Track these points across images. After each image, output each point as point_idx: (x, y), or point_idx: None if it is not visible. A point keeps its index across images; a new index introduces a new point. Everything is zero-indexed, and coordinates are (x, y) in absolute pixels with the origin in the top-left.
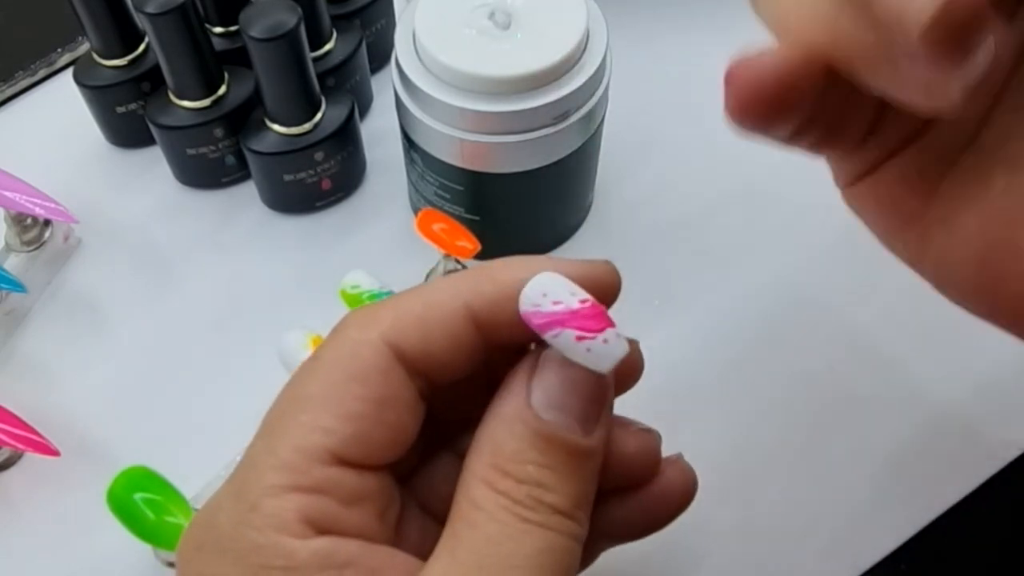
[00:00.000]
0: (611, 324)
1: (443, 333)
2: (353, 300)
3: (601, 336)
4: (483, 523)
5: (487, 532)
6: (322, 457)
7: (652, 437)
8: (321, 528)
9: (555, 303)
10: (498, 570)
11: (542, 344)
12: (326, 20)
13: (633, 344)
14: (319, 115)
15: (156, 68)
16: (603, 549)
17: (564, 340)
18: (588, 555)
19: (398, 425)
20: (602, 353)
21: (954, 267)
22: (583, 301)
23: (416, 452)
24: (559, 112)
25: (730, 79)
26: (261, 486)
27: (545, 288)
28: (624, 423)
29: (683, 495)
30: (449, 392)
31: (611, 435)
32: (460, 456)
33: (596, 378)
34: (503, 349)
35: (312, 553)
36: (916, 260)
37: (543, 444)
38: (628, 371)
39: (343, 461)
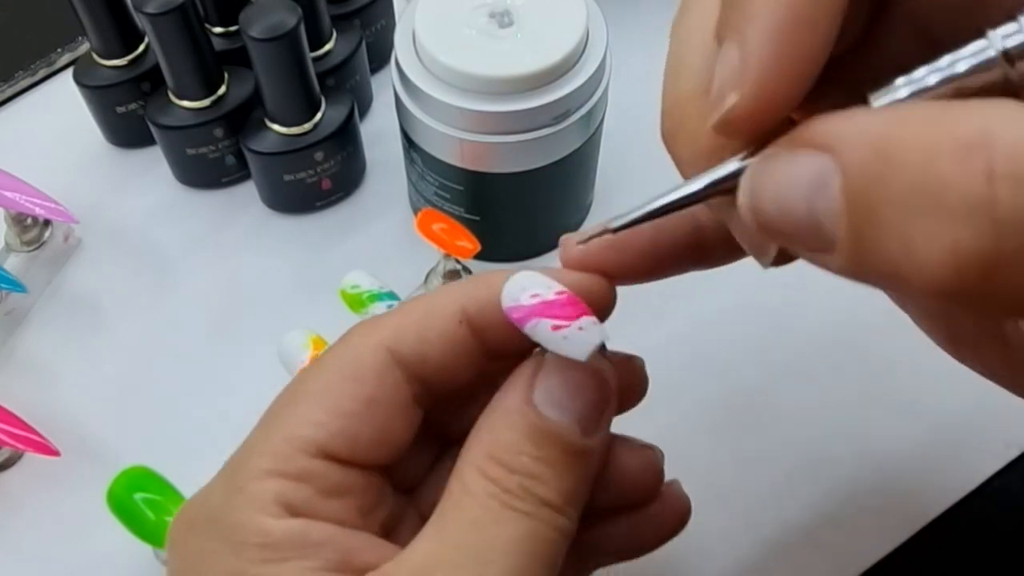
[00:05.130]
0: (587, 312)
1: (439, 334)
2: (353, 300)
3: (576, 324)
4: (470, 507)
5: (473, 516)
6: (308, 448)
7: (654, 453)
8: (297, 513)
9: (532, 296)
10: (480, 551)
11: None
12: (326, 20)
13: (636, 362)
14: (319, 115)
15: (156, 68)
16: (597, 566)
17: (541, 331)
18: (582, 570)
19: (387, 426)
20: (577, 340)
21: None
22: (559, 292)
23: (422, 464)
24: (559, 112)
25: None
26: (249, 470)
27: (524, 284)
28: (624, 440)
29: (678, 519)
30: (454, 410)
31: (613, 453)
32: None
33: (598, 382)
34: (501, 357)
35: (286, 531)
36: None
37: (540, 438)
38: (630, 389)
39: (328, 454)
